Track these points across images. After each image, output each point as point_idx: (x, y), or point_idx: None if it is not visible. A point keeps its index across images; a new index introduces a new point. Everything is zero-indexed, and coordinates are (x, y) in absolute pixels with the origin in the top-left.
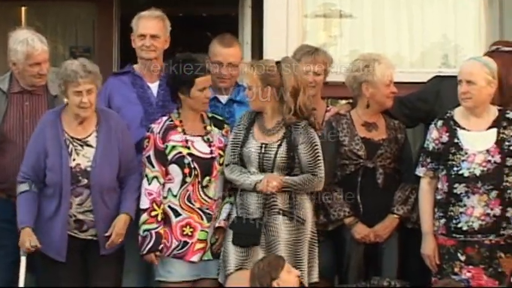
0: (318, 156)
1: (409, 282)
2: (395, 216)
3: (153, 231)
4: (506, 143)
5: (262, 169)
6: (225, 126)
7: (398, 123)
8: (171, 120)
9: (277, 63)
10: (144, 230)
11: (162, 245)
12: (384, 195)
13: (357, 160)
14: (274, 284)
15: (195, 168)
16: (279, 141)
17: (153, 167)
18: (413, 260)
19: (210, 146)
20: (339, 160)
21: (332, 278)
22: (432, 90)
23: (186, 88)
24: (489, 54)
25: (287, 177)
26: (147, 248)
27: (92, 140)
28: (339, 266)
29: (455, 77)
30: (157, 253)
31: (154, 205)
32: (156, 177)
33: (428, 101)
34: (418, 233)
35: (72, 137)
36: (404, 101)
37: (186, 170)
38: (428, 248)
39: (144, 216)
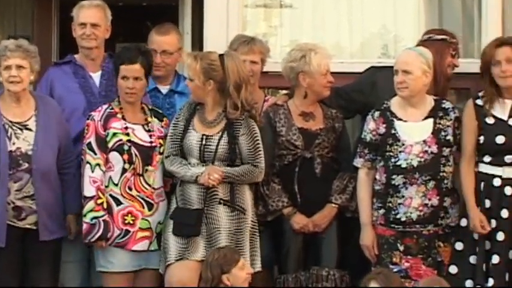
0: (259, 147)
1: (348, 271)
2: (334, 205)
3: (101, 219)
4: (443, 133)
5: (203, 160)
6: (164, 119)
7: (335, 113)
8: (112, 108)
9: (221, 56)
10: (92, 218)
11: (110, 233)
12: (322, 185)
13: (294, 150)
14: (224, 278)
15: (136, 155)
16: (220, 133)
17: (95, 154)
18: (352, 249)
19: (150, 135)
20: (276, 150)
21: (271, 267)
22: (367, 81)
23: (116, 76)
24: (422, 43)
25: (228, 168)
26: (96, 236)
27: (32, 123)
28: (278, 255)
29: (391, 67)
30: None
31: (99, 193)
32: (98, 164)
33: (364, 92)
34: (357, 222)
35: (11, 121)
36: (340, 93)
37: (125, 157)
38: (367, 238)
39: (91, 204)
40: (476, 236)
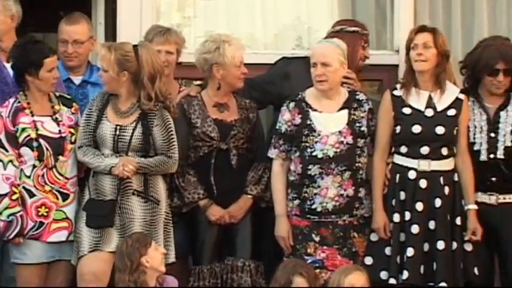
0: (172, 138)
1: (263, 262)
2: (249, 196)
3: (17, 215)
4: (357, 124)
5: (116, 151)
6: (74, 104)
7: (249, 102)
8: (19, 102)
9: (135, 46)
10: (9, 215)
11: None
12: (238, 176)
13: (210, 142)
14: (144, 260)
15: (46, 148)
16: (134, 123)
17: (7, 150)
18: (267, 240)
19: (58, 125)
20: (191, 142)
21: (186, 258)
22: (279, 72)
23: (34, 69)
24: (334, 34)
25: (142, 159)
26: (14, 233)
27: None
28: (192, 246)
29: (303, 57)
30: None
31: (13, 188)
32: (11, 160)
33: (276, 83)
34: (273, 213)
35: None
36: (253, 84)
37: (35, 154)
38: (282, 229)
39: (6, 201)
40: (391, 227)
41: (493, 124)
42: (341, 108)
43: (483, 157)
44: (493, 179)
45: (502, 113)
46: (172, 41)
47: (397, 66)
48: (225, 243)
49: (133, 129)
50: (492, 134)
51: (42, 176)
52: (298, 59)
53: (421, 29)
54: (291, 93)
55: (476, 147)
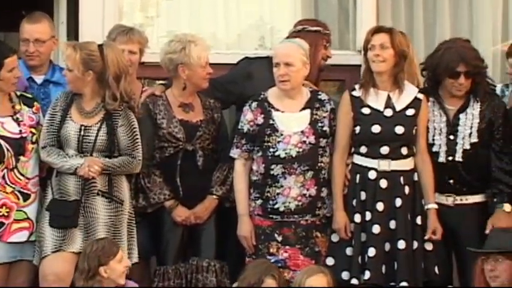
0: (137, 138)
1: (227, 262)
2: (215, 197)
3: None
4: (319, 124)
5: (81, 151)
6: (35, 103)
7: (214, 102)
8: None
9: (100, 46)
10: None
11: None
12: (204, 177)
13: (176, 143)
14: (102, 270)
15: (7, 149)
16: (99, 124)
17: None
18: (230, 240)
19: (19, 125)
20: (157, 142)
21: (149, 258)
22: (242, 72)
23: None
24: (296, 34)
25: (107, 159)
26: None
27: None
28: (156, 246)
29: (265, 57)
30: None
31: None
32: None
33: (239, 83)
34: (236, 213)
35: None
36: (216, 85)
37: None
38: (245, 229)
39: None
40: (352, 228)
41: (453, 126)
42: (303, 108)
43: (442, 159)
44: (451, 181)
45: (462, 116)
46: (136, 40)
47: (359, 66)
48: (189, 244)
49: (98, 130)
50: (451, 137)
51: (3, 177)
52: (261, 59)
53: (378, 29)
54: (254, 93)
55: (435, 149)
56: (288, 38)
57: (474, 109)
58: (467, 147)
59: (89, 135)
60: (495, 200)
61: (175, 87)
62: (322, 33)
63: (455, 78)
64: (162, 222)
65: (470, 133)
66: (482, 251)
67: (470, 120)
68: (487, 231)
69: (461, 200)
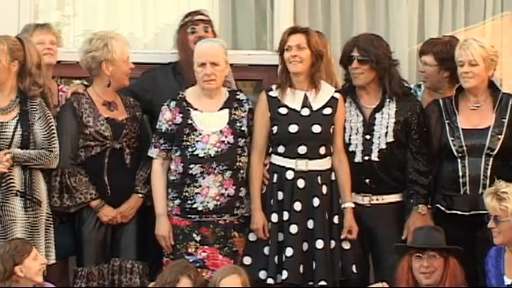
0: (53, 133)
1: (147, 262)
2: (140, 195)
3: None
4: (238, 124)
5: None
6: None
7: (134, 101)
8: None
9: (18, 38)
10: None
11: None
12: (131, 175)
13: (103, 141)
14: (17, 269)
15: None
16: (15, 120)
17: None
18: (150, 240)
19: None
20: (82, 141)
21: (67, 258)
22: (149, 77)
23: None
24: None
25: (20, 150)
26: None
27: None
28: (77, 246)
29: (168, 64)
30: None
31: None
32: None
33: (147, 90)
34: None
35: None
36: (130, 92)
37: None
38: (163, 228)
39: None
40: (270, 227)
41: (369, 126)
42: (222, 108)
43: (358, 158)
44: (367, 180)
45: (378, 115)
46: (53, 32)
47: (276, 66)
48: (111, 244)
49: (15, 126)
50: (367, 136)
51: None
52: (164, 66)
53: (294, 30)
54: (160, 97)
55: (351, 149)
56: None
57: (390, 109)
58: (383, 146)
59: (5, 132)
60: (411, 201)
61: (97, 85)
62: (187, 22)
63: (351, 64)
64: (84, 222)
65: (386, 133)
66: (420, 247)
67: (386, 120)
68: (404, 236)
69: (377, 199)
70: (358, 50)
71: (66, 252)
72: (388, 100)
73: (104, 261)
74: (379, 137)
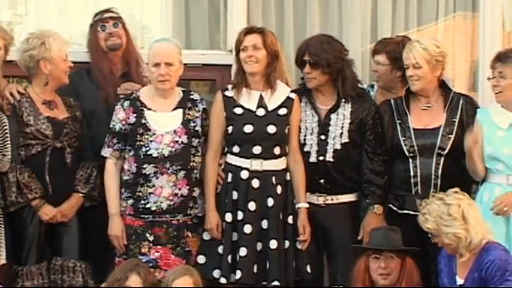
0: (7, 137)
1: (89, 262)
2: (81, 195)
3: None
4: (192, 124)
5: None
6: None
7: (73, 101)
8: None
9: None
10: None
11: None
12: (72, 174)
13: (44, 140)
14: None
15: None
16: None
17: None
18: (97, 239)
19: None
20: (22, 140)
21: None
22: (68, 86)
23: None
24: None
25: None
26: None
27: None
28: (18, 246)
29: (83, 68)
30: None
31: None
32: None
33: (66, 95)
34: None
35: None
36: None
37: None
38: (116, 228)
39: None
40: (224, 227)
41: (324, 126)
42: (175, 108)
43: (313, 159)
44: (322, 181)
45: (333, 116)
46: (0, 36)
47: (230, 66)
48: (53, 243)
49: None
50: (322, 137)
51: None
52: (80, 70)
53: (250, 30)
54: (81, 103)
55: (306, 149)
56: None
57: (345, 110)
58: (338, 147)
59: None
60: (367, 201)
61: (36, 84)
62: (97, 20)
63: (303, 68)
64: (24, 221)
65: (341, 133)
66: (378, 248)
67: (341, 121)
68: (360, 236)
69: (332, 199)
70: (309, 55)
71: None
72: (343, 101)
73: (44, 260)
74: (334, 138)
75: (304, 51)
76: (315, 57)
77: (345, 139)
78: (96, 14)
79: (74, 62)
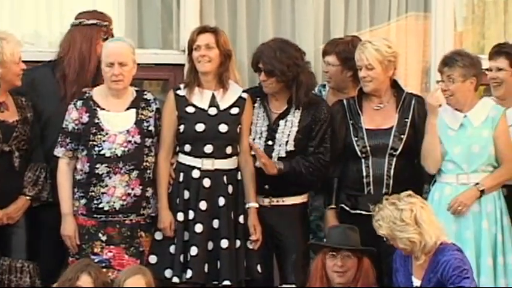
0: None
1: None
2: (28, 197)
3: None
4: (145, 124)
5: None
6: None
7: (25, 101)
8: None
9: None
10: None
11: None
12: (20, 178)
13: None
14: None
15: None
16: None
17: None
18: (47, 240)
19: None
20: None
21: None
22: (27, 81)
23: None
24: (73, 28)
25: None
26: None
27: None
28: None
29: (48, 63)
30: None
31: None
32: None
33: (27, 95)
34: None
35: None
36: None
37: None
38: (68, 228)
39: None
40: (175, 226)
41: (272, 132)
42: (129, 108)
43: (258, 163)
44: (266, 186)
45: (281, 122)
46: None
47: (183, 65)
48: (0, 243)
49: None
50: (270, 142)
51: None
52: (44, 65)
53: (203, 29)
54: (42, 102)
55: (253, 152)
56: (68, 32)
57: (295, 117)
58: (283, 155)
59: None
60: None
61: None
62: (99, 26)
63: (259, 74)
64: None
65: (287, 141)
66: (340, 247)
67: (289, 128)
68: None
69: (277, 201)
70: (263, 64)
71: None
72: (293, 108)
73: None
74: (280, 145)
75: (258, 59)
76: (269, 66)
77: (291, 147)
78: (99, 19)
79: (25, 62)
